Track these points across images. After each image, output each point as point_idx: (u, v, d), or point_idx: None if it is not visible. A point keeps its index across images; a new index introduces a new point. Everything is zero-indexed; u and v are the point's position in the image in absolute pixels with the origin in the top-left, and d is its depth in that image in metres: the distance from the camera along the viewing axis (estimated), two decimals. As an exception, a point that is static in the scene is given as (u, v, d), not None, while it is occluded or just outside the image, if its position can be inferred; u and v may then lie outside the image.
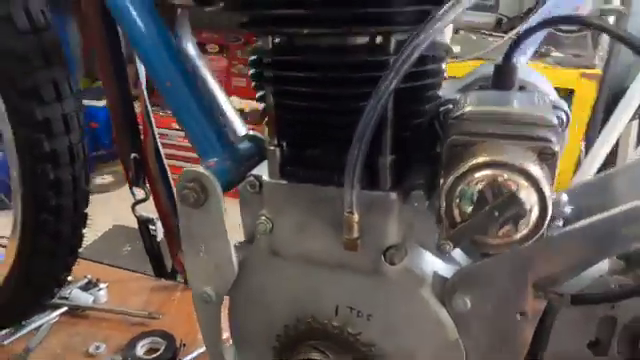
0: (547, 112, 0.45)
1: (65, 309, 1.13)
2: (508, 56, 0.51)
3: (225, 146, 0.61)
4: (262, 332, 0.64)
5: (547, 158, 0.41)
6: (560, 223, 0.53)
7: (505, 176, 0.40)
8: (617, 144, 1.94)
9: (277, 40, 0.48)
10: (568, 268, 0.49)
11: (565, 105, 0.54)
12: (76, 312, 1.13)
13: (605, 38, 2.07)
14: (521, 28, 0.52)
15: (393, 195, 0.50)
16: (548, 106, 0.48)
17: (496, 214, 0.40)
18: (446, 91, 0.58)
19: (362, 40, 0.45)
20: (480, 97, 0.49)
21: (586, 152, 1.99)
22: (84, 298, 1.14)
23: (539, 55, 2.10)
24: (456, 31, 2.14)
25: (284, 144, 0.53)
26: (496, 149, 0.42)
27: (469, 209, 0.42)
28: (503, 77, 0.52)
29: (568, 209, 0.53)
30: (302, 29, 0.44)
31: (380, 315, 0.57)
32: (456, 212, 0.42)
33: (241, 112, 2.25)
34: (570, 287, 0.51)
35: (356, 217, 0.48)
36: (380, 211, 0.51)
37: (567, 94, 2.46)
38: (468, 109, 0.46)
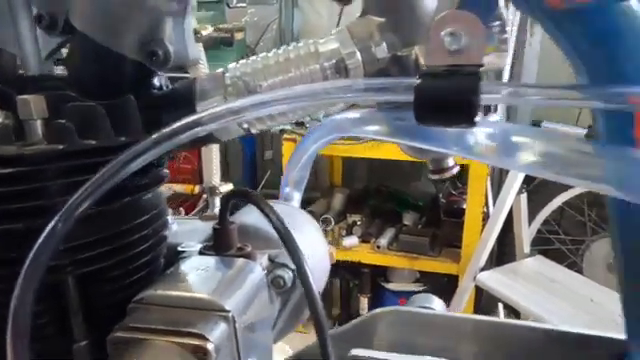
0: (225, 291, 0.42)
1: None
2: (221, 219, 0.50)
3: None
4: None
5: (202, 358, 0.38)
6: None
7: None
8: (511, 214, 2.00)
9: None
10: None
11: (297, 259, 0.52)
12: None
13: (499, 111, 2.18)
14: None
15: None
16: (242, 277, 0.46)
17: None
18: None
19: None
20: (176, 271, 0.46)
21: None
22: None
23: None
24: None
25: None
26: (148, 352, 0.38)
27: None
28: (220, 240, 0.50)
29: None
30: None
31: None
32: None
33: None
34: None
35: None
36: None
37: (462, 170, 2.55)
38: (149, 292, 0.43)
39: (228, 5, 2.54)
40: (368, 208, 2.58)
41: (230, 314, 0.40)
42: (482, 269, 1.96)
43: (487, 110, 0.39)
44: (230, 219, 0.55)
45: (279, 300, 0.53)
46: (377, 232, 2.41)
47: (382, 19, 0.43)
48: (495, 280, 1.84)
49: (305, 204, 2.49)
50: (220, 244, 0.50)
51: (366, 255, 2.34)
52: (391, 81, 0.34)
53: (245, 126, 0.45)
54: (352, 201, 2.66)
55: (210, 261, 0.48)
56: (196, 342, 0.38)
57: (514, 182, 1.84)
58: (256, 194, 0.42)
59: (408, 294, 2.36)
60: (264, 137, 2.93)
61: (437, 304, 0.58)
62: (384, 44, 0.41)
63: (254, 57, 0.46)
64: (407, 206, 2.58)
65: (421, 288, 2.42)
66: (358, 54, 0.41)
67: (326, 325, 0.37)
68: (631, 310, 0.41)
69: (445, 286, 2.29)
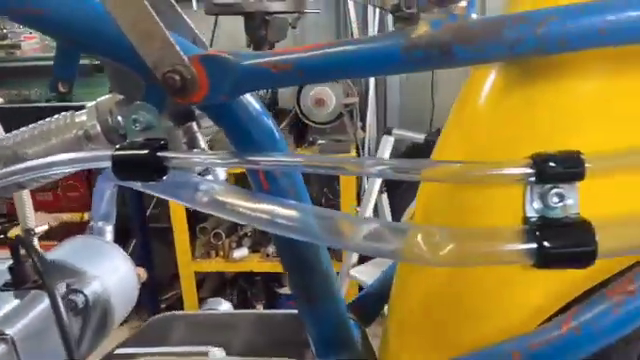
0: (8, 319, 0.53)
1: None
2: (15, 259, 0.60)
3: None
4: None
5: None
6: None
7: None
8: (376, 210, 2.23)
9: None
10: None
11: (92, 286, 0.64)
12: None
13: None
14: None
15: None
16: (31, 306, 0.57)
17: None
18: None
19: None
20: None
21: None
22: None
23: (308, 144, 2.36)
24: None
25: None
26: None
27: None
28: (17, 276, 0.61)
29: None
30: None
31: None
32: None
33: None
34: None
35: None
36: None
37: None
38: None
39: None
40: (258, 219, 2.70)
41: (9, 337, 0.51)
42: (358, 263, 2.16)
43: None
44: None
45: (79, 320, 0.64)
46: (267, 241, 2.54)
47: (121, 96, 0.56)
48: (365, 273, 2.05)
49: (198, 221, 2.56)
50: (17, 280, 0.60)
51: (257, 264, 2.47)
52: (102, 154, 0.47)
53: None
54: (243, 213, 2.76)
55: (4, 296, 0.58)
56: (-25, 362, 0.49)
57: (374, 184, 2.07)
58: (24, 240, 0.54)
59: (301, 295, 2.52)
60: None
61: (224, 306, 0.72)
62: (119, 116, 0.55)
63: (24, 128, 0.57)
64: (295, 213, 2.74)
65: (313, 288, 2.59)
66: (98, 125, 0.54)
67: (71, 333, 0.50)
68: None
69: (333, 283, 2.47)
